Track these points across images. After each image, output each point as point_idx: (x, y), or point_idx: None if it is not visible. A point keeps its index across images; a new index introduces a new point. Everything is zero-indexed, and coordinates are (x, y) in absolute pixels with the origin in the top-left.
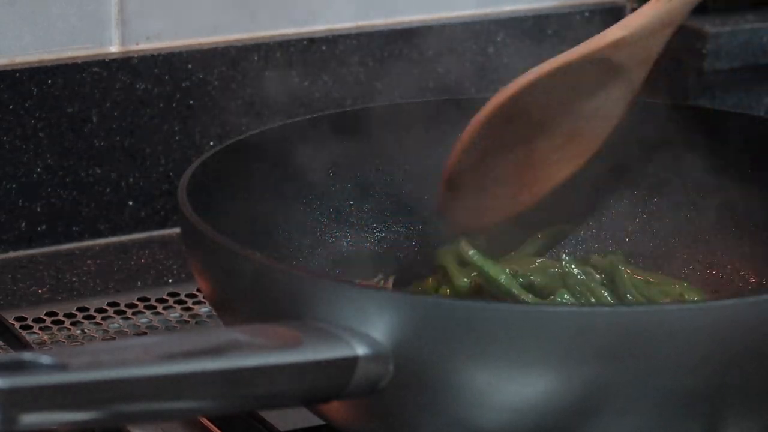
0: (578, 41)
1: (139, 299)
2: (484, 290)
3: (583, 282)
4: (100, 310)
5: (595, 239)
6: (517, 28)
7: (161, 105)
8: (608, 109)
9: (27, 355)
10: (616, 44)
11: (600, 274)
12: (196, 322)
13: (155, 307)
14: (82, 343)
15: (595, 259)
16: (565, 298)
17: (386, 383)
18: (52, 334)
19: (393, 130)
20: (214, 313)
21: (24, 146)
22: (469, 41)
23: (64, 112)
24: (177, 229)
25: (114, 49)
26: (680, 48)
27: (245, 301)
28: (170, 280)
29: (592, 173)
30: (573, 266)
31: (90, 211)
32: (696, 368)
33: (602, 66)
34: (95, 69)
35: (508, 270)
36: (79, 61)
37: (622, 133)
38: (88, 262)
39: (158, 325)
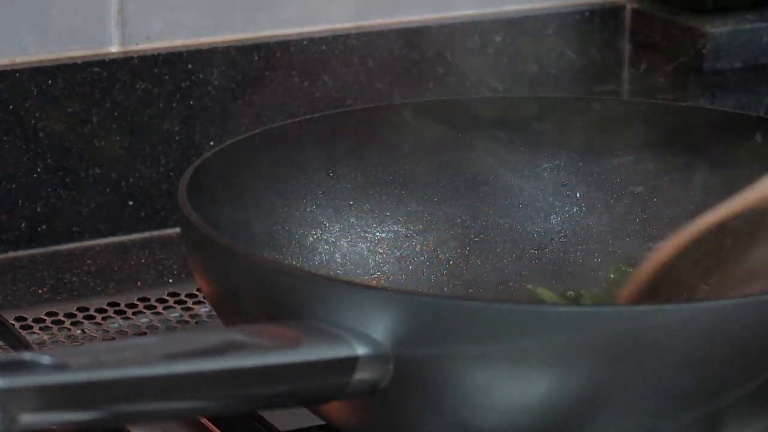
0: (578, 41)
1: (139, 299)
2: None
3: None
4: (100, 310)
5: (595, 239)
6: (517, 28)
7: (161, 105)
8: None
9: (27, 355)
10: None
11: None
12: (196, 322)
13: (155, 307)
14: (82, 343)
15: None
16: None
17: (386, 383)
18: (52, 334)
19: (393, 130)
20: (214, 313)
21: (24, 146)
22: (469, 41)
23: (64, 112)
24: (177, 229)
25: (114, 49)
26: (680, 48)
27: (245, 301)
28: (170, 280)
29: (592, 173)
30: None
31: (90, 211)
32: (696, 368)
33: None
34: (95, 69)
35: None
36: (79, 61)
37: (623, 133)
38: (88, 262)
39: (158, 325)
